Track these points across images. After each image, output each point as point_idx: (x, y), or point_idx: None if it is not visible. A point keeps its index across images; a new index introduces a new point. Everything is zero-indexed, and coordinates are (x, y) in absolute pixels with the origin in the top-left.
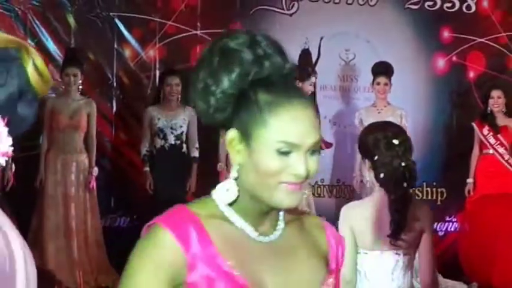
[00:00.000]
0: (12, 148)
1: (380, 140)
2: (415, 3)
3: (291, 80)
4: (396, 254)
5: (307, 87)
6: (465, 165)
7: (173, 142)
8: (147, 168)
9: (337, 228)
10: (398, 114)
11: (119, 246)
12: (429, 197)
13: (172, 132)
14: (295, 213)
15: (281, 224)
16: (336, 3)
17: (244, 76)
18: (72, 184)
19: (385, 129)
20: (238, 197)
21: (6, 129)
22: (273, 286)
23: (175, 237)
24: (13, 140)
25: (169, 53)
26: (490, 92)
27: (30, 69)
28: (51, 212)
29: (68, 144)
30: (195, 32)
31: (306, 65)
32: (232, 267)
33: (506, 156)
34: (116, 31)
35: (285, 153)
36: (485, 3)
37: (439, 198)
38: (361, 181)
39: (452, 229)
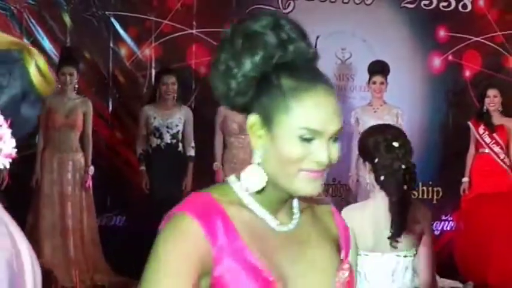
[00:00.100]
0: (15, 150)
1: (380, 143)
2: (411, 2)
3: (314, 65)
4: (397, 255)
5: None
6: (461, 164)
7: (169, 141)
8: (143, 167)
9: None
10: (395, 113)
11: (115, 245)
12: (425, 196)
13: (168, 131)
14: (308, 201)
15: (296, 213)
16: (332, 2)
17: (267, 59)
18: (68, 183)
19: (385, 132)
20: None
21: (9, 131)
22: (293, 276)
23: (203, 229)
24: (16, 141)
25: (165, 52)
26: (486, 91)
27: (32, 71)
28: (47, 211)
29: (64, 143)
30: (190, 31)
31: None
32: (259, 261)
33: (502, 155)
34: (112, 30)
35: (307, 140)
36: (481, 2)
37: (435, 197)
38: (357, 180)
39: (448, 228)
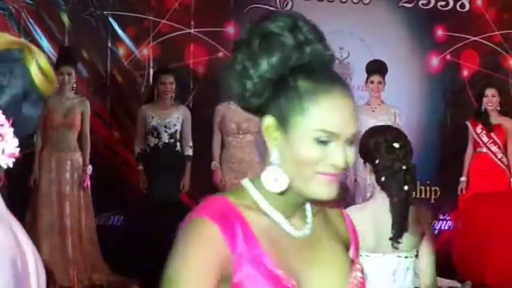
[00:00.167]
0: (19, 149)
1: (381, 144)
2: (409, 2)
3: (331, 67)
4: (398, 256)
5: None
6: (459, 164)
7: (167, 141)
8: (140, 167)
9: None
10: (392, 112)
11: (113, 245)
12: (423, 196)
13: (166, 131)
14: (320, 204)
15: (309, 216)
16: (329, 1)
17: (284, 61)
18: (66, 182)
19: (386, 133)
20: None
21: (11, 130)
22: (310, 281)
23: (223, 234)
24: (19, 141)
25: (163, 51)
26: (484, 90)
27: (33, 70)
28: (45, 211)
29: (62, 143)
30: (188, 30)
31: None
32: (278, 268)
33: (499, 155)
34: (110, 30)
35: (324, 143)
36: (479, 2)
37: (433, 196)
38: (355, 180)
39: (445, 227)
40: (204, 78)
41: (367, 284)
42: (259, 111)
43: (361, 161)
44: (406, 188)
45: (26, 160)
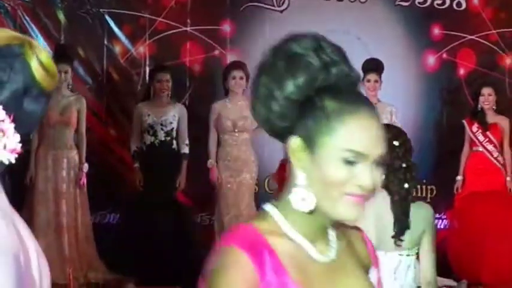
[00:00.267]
0: (20, 145)
1: None
2: (405, 0)
3: (357, 88)
4: (399, 254)
5: None
6: (455, 163)
7: (163, 138)
8: (136, 165)
9: None
10: (389, 111)
11: (109, 243)
12: (419, 194)
13: (162, 129)
14: (339, 226)
15: (333, 240)
16: (326, 0)
17: (310, 82)
18: (63, 180)
19: (386, 131)
20: (296, 210)
21: (12, 126)
22: None
23: (252, 262)
24: (21, 136)
25: (159, 49)
26: (480, 89)
27: (34, 65)
28: (42, 208)
29: (58, 141)
30: (185, 28)
31: None
32: None
33: (495, 154)
34: (106, 27)
35: (351, 163)
36: (475, 1)
37: (429, 195)
38: None
39: (441, 226)
40: (200, 76)
41: None
42: (285, 135)
43: None
44: (406, 185)
45: (22, 157)
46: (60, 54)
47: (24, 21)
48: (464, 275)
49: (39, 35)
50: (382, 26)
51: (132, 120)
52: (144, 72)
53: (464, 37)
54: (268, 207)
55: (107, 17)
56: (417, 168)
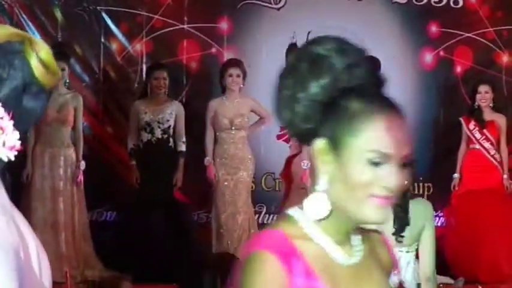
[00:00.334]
0: (20, 142)
1: None
2: None
3: (382, 89)
4: (399, 251)
5: None
6: (452, 161)
7: (160, 136)
8: (133, 162)
9: None
10: None
11: (106, 241)
12: (416, 192)
13: (159, 126)
14: (361, 230)
15: (358, 243)
16: None
17: (334, 83)
18: (60, 178)
19: None
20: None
21: (11, 123)
22: None
23: (283, 267)
24: (21, 133)
25: (156, 47)
26: (477, 87)
27: (34, 62)
28: (38, 206)
29: (55, 138)
30: (182, 26)
31: None
32: None
33: (492, 151)
34: (103, 25)
35: (377, 164)
36: None
37: (426, 193)
38: None
39: (438, 224)
40: (197, 74)
41: None
42: (309, 137)
43: None
44: (405, 182)
45: (18, 155)
46: (57, 52)
47: (21, 19)
48: (461, 272)
49: (36, 33)
50: (379, 23)
51: (129, 117)
52: (141, 69)
53: (461, 35)
54: (293, 211)
55: (104, 15)
56: (415, 165)
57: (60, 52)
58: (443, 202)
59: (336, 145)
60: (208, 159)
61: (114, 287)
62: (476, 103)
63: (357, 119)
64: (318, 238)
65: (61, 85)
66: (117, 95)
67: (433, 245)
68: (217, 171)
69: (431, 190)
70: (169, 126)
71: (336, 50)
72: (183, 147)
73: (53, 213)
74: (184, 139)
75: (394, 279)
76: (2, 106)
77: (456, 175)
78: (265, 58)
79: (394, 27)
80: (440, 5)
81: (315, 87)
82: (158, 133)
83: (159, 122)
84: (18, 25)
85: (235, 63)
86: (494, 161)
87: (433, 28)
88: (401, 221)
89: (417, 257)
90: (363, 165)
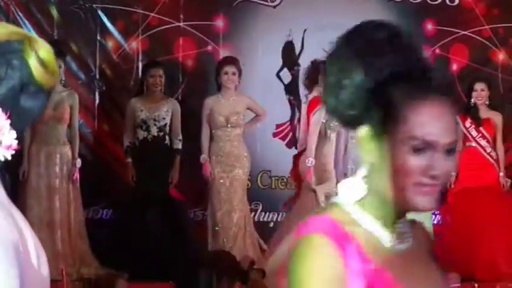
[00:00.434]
0: (17, 141)
1: None
2: None
3: (430, 76)
4: None
5: None
6: None
7: (156, 134)
8: (129, 160)
9: None
10: None
11: (102, 238)
12: None
13: (155, 124)
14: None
15: (406, 229)
16: None
17: (380, 70)
18: (56, 176)
19: None
20: (368, 200)
21: (8, 122)
22: None
23: (337, 251)
24: (18, 133)
25: (152, 44)
26: (473, 84)
27: (32, 62)
28: (34, 204)
29: (51, 136)
30: (178, 23)
31: (290, 57)
32: (395, 283)
33: (488, 149)
34: (99, 23)
35: (421, 152)
36: None
37: None
38: (345, 174)
39: (435, 222)
40: (193, 72)
41: None
42: (354, 124)
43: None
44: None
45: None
46: (53, 50)
47: (17, 17)
48: (458, 270)
49: (32, 31)
50: None
51: (125, 115)
52: (137, 67)
53: (457, 32)
54: (340, 198)
55: (100, 13)
56: None
57: (56, 50)
58: (440, 200)
59: (380, 132)
60: (204, 157)
61: (110, 284)
62: (472, 101)
63: (401, 106)
64: (367, 223)
65: (57, 83)
66: (113, 92)
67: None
68: (213, 169)
69: None
70: (165, 124)
71: (383, 36)
72: (179, 145)
73: (49, 211)
74: (180, 137)
75: None
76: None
77: (452, 173)
78: (261, 56)
79: None
80: (436, 2)
81: (360, 74)
82: (154, 131)
83: (155, 120)
84: (14, 23)
85: (231, 61)
86: (490, 159)
87: (429, 26)
88: None
89: None
90: (407, 153)
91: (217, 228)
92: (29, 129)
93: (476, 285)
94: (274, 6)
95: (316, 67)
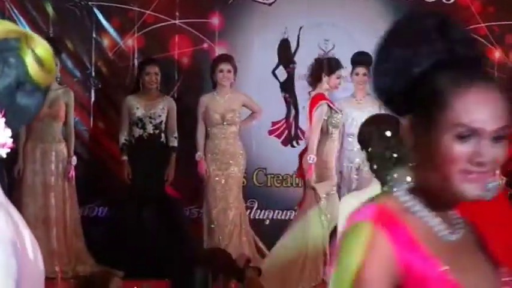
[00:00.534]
0: (11, 139)
1: (373, 132)
2: None
3: (477, 64)
4: None
5: (334, 80)
6: None
7: (152, 131)
8: (125, 158)
9: None
10: (378, 104)
11: (97, 236)
12: None
13: (151, 122)
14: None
15: (458, 220)
16: None
17: (429, 57)
18: (51, 174)
19: (381, 121)
20: (419, 189)
21: (3, 120)
22: (470, 286)
23: (388, 238)
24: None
25: (148, 42)
26: None
27: (29, 60)
28: (30, 202)
29: (46, 134)
30: (173, 21)
31: (285, 55)
32: (446, 271)
33: None
34: (95, 20)
35: (467, 139)
36: None
37: None
38: (340, 172)
39: None
40: (188, 69)
41: None
42: (400, 110)
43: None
44: (395, 175)
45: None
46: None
47: (13, 14)
48: None
49: (27, 28)
50: (371, 19)
51: (121, 113)
52: (133, 65)
53: None
54: (393, 187)
55: (96, 10)
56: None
57: (52, 47)
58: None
59: (426, 119)
60: (199, 155)
61: (104, 282)
62: None
63: (448, 93)
64: (419, 212)
65: (53, 81)
66: (109, 90)
67: None
68: (208, 167)
69: None
70: (161, 121)
71: (433, 25)
72: (174, 143)
73: (45, 209)
74: (176, 134)
75: None
76: None
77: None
78: (257, 54)
79: (386, 23)
80: (432, 0)
81: (410, 61)
82: (150, 128)
83: (150, 117)
84: (9, 20)
85: (226, 58)
86: None
87: None
88: None
89: None
90: (452, 140)
91: (212, 226)
92: (24, 127)
93: None
94: (270, 4)
95: (320, 64)
